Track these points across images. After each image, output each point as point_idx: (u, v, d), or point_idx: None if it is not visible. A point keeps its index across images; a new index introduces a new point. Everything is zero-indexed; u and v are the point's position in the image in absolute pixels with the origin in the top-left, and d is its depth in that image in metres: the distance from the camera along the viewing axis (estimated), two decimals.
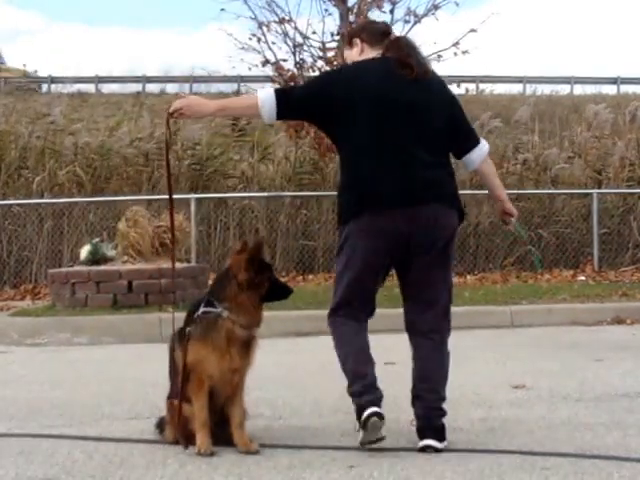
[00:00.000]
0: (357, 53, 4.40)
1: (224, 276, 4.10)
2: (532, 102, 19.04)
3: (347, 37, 4.58)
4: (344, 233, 4.18)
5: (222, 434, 4.04)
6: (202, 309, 4.01)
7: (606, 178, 14.44)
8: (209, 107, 4.28)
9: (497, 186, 4.43)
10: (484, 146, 4.36)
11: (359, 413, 3.99)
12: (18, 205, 12.93)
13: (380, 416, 3.95)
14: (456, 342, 8.04)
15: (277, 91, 4.22)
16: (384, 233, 4.06)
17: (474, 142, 4.34)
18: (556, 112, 20.26)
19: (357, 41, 4.42)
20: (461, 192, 4.32)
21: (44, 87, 32.03)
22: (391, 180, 4.05)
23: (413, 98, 4.15)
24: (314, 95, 4.21)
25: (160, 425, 4.30)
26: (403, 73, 4.18)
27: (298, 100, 4.22)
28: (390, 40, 4.38)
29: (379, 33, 4.43)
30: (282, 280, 4.45)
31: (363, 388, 4.05)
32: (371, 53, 4.34)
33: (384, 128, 4.10)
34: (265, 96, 4.18)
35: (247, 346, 4.04)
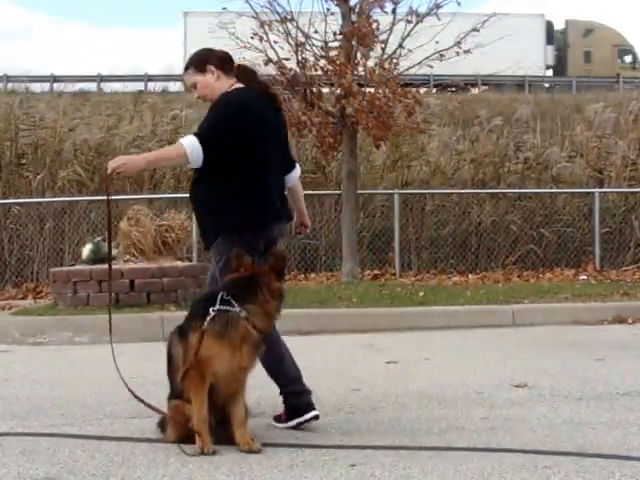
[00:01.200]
0: (214, 80, 4.61)
1: (249, 282, 4.11)
2: (533, 101, 19.02)
3: (197, 63, 4.67)
4: (236, 242, 4.35)
5: (223, 433, 4.04)
6: (218, 306, 4.01)
7: (608, 177, 14.45)
8: (142, 162, 4.49)
9: (302, 202, 4.97)
10: (298, 168, 4.89)
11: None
12: (19, 204, 12.94)
13: None
14: (458, 341, 8.07)
15: (197, 136, 4.37)
16: (265, 243, 4.53)
17: (294, 163, 4.85)
18: (557, 111, 20.22)
19: (211, 68, 4.62)
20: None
21: None
22: (279, 198, 4.58)
23: (281, 125, 4.66)
24: (225, 132, 4.39)
25: (162, 424, 4.29)
26: (269, 102, 4.59)
27: (215, 140, 4.39)
28: (238, 69, 4.67)
29: (228, 61, 4.69)
30: (285, 279, 4.51)
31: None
32: (227, 80, 4.60)
33: (273, 152, 4.53)
34: (190, 144, 4.35)
35: (256, 345, 4.07)
